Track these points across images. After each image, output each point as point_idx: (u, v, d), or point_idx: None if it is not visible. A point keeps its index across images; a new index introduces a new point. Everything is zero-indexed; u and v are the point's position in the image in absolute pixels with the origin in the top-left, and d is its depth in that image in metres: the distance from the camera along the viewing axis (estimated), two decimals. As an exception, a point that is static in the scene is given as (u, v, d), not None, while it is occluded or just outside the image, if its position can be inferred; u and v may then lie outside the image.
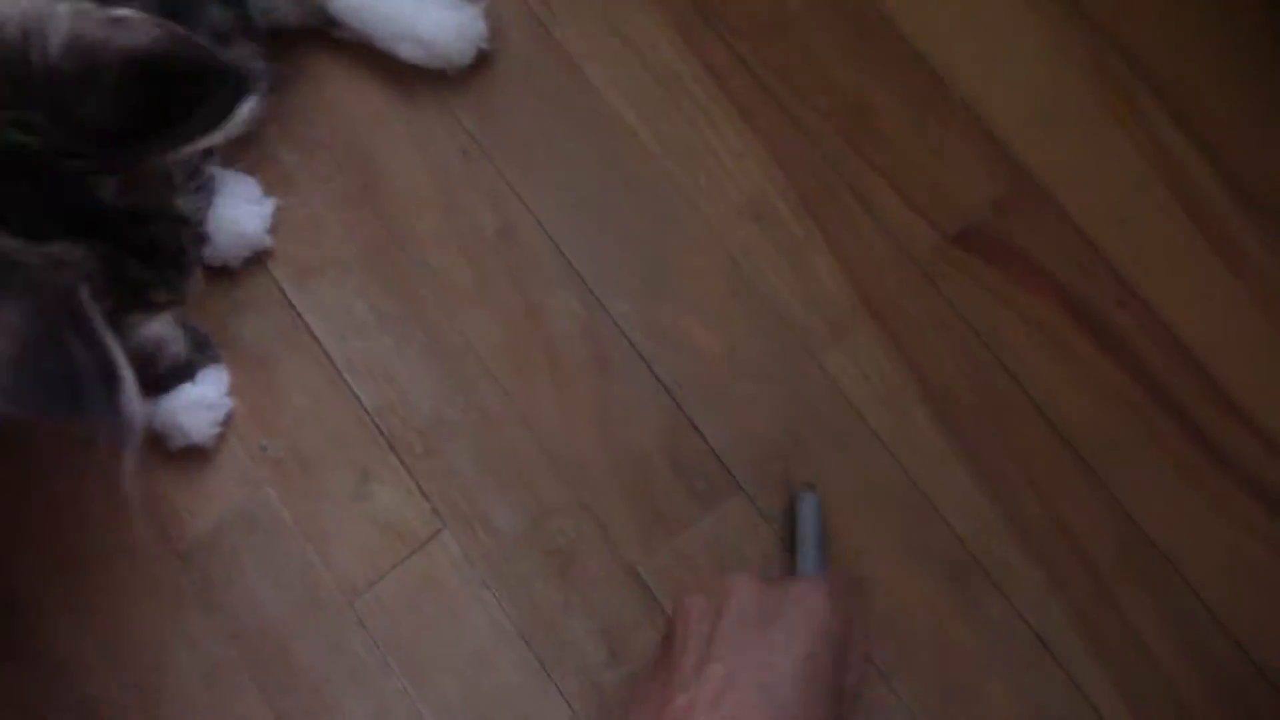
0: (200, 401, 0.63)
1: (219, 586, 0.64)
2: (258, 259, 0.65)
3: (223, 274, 0.65)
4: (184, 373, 0.62)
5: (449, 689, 0.61)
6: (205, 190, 0.50)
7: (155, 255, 0.44)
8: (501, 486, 0.62)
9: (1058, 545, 0.58)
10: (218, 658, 0.63)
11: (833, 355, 0.61)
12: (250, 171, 0.65)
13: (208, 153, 0.59)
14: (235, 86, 0.39)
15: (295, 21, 0.65)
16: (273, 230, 0.64)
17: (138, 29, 0.37)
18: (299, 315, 0.65)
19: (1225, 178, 0.60)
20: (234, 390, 0.64)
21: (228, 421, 0.64)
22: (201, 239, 0.49)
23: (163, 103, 0.38)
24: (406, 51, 0.64)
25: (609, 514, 0.61)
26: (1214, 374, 0.59)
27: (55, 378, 0.38)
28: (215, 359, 0.64)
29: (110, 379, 0.38)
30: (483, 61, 0.65)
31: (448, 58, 0.64)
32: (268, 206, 0.65)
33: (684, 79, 0.64)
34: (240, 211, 0.64)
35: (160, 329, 0.60)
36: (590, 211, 0.63)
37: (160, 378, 0.62)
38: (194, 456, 0.64)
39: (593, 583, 0.61)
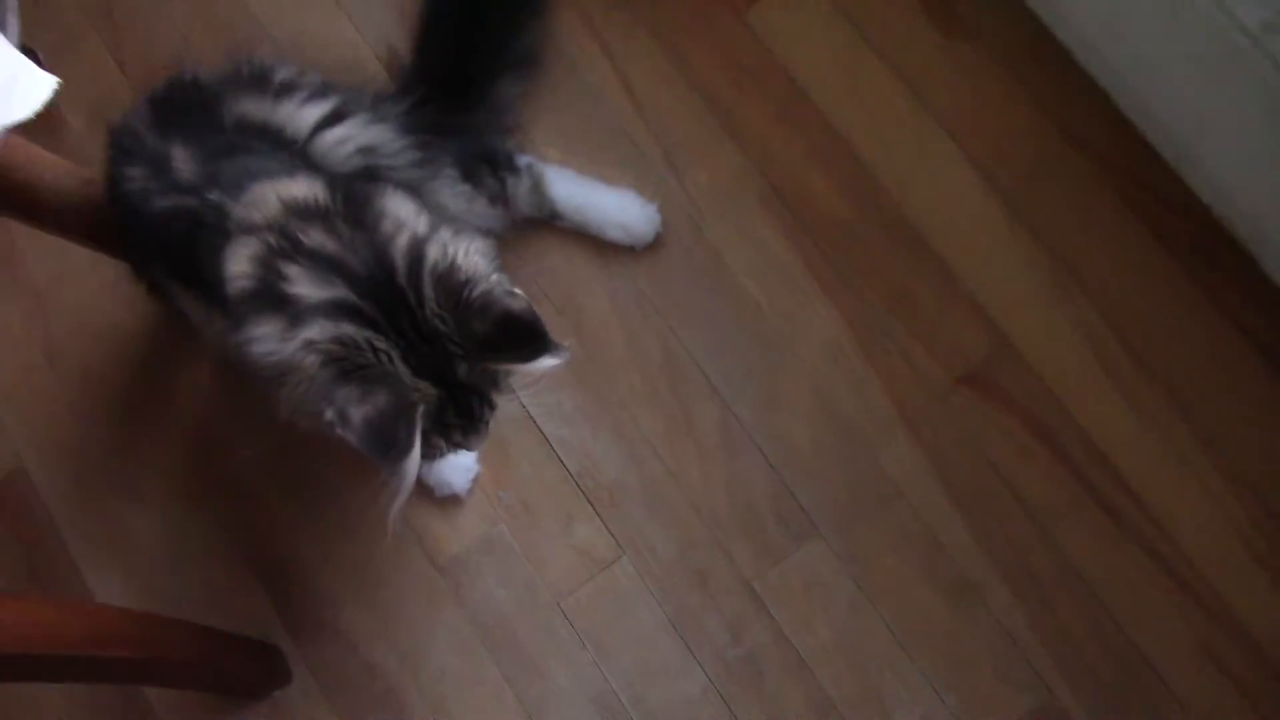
0: (460, 465, 0.96)
1: (466, 590, 0.95)
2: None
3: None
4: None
5: (625, 661, 0.92)
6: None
7: (468, 415, 0.70)
8: (662, 526, 0.94)
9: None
10: (464, 637, 0.94)
11: (881, 448, 0.93)
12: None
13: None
14: (549, 347, 0.66)
15: (529, 211, 0.98)
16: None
17: (519, 301, 0.66)
18: (525, 408, 0.97)
19: (1132, 352, 0.92)
20: (481, 458, 0.97)
21: (476, 479, 0.96)
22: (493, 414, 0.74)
23: (512, 339, 0.66)
24: (612, 234, 0.98)
25: (733, 547, 0.93)
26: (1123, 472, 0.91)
27: (383, 440, 0.64)
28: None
29: (405, 452, 0.64)
30: (657, 244, 0.99)
31: (637, 239, 0.98)
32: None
33: (787, 265, 0.97)
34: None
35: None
36: (725, 349, 0.96)
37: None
38: (454, 501, 0.96)
39: (722, 593, 0.92)
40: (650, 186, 0.99)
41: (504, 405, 0.72)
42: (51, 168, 0.84)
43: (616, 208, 0.98)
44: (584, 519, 0.95)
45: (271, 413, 0.70)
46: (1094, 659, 0.87)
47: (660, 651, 0.92)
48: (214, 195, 0.70)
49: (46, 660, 0.66)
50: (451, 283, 0.68)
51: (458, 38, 0.97)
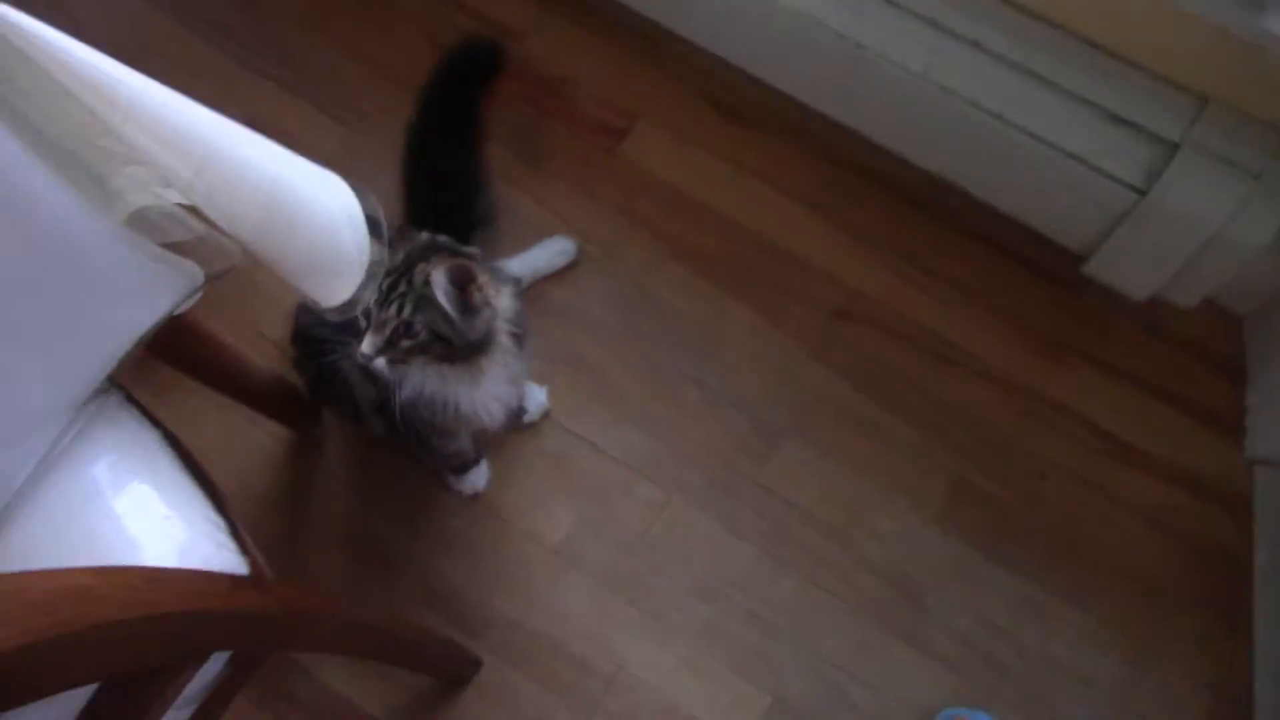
0: (480, 472, 1.38)
1: (577, 558, 1.37)
2: (546, 417, 1.45)
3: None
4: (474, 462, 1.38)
5: (698, 560, 1.38)
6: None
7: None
8: (688, 469, 1.40)
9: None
10: (589, 589, 1.36)
11: (805, 373, 1.46)
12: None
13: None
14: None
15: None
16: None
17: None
18: (574, 433, 1.43)
19: (916, 265, 1.51)
20: (555, 471, 1.42)
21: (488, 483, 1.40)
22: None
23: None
24: (556, 264, 1.48)
25: (737, 462, 1.42)
26: (941, 334, 1.48)
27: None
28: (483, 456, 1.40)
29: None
30: (616, 303, 1.49)
31: (570, 256, 1.49)
32: (543, 393, 1.45)
33: (704, 289, 1.50)
34: (536, 396, 1.44)
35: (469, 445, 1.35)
36: (685, 348, 1.47)
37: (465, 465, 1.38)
38: (547, 504, 1.40)
39: (742, 492, 1.40)
40: (595, 268, 1.51)
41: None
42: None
43: (546, 251, 1.48)
44: (638, 484, 1.41)
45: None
46: (965, 441, 1.41)
47: (718, 543, 1.38)
48: None
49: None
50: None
51: (436, 215, 1.47)
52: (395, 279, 1.03)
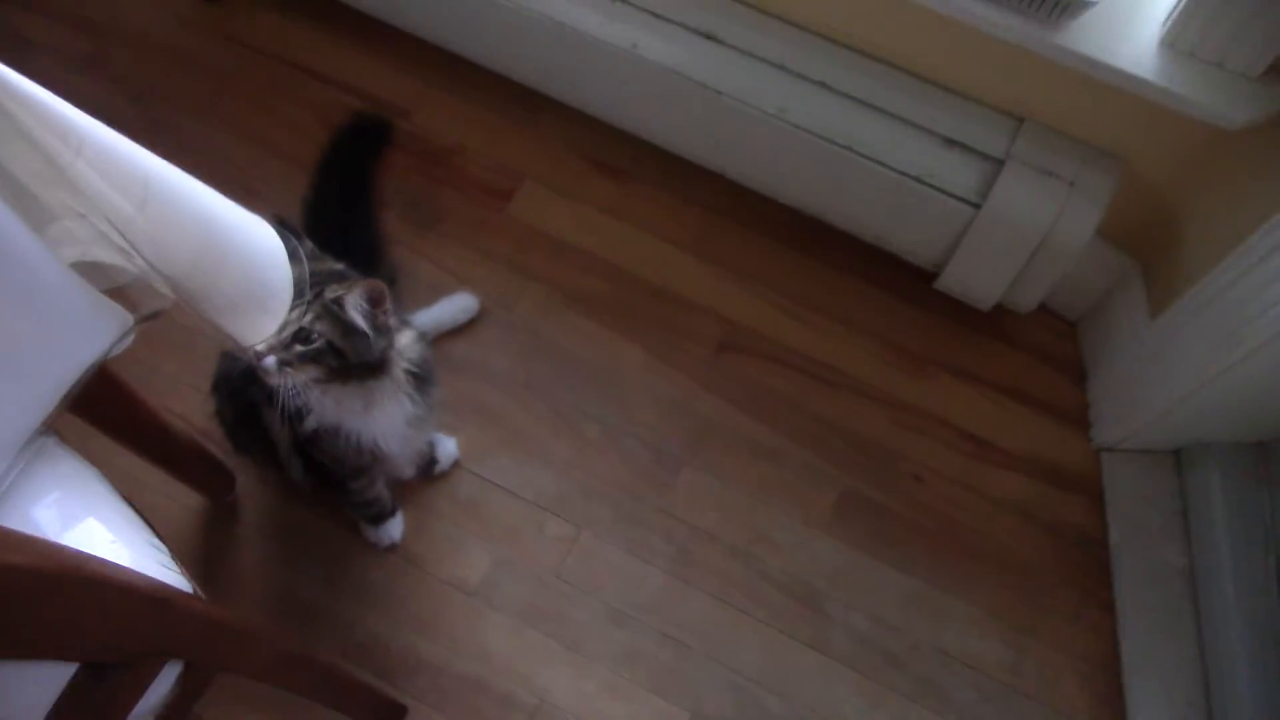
0: (395, 523, 1.44)
1: (495, 598, 1.43)
2: (456, 466, 1.51)
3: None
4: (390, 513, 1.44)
5: (611, 587, 1.45)
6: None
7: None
8: (594, 502, 1.49)
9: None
10: (509, 627, 1.42)
11: (695, 403, 1.56)
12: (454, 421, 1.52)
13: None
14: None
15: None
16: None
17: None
18: (481, 476, 1.50)
19: (792, 299, 1.64)
20: (464, 513, 1.48)
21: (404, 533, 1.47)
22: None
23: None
24: (458, 319, 1.57)
25: (640, 492, 1.50)
26: (815, 357, 1.60)
27: None
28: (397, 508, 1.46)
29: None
30: (518, 348, 1.58)
31: (471, 313, 1.57)
32: (453, 443, 1.51)
33: (593, 331, 1.60)
34: (446, 446, 1.50)
35: (385, 494, 1.41)
36: (581, 386, 1.56)
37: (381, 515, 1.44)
38: (461, 548, 1.46)
39: (648, 519, 1.49)
40: (494, 321, 1.59)
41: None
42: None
43: (447, 306, 1.56)
44: (549, 522, 1.48)
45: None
46: (848, 454, 1.52)
47: (629, 571, 1.45)
48: None
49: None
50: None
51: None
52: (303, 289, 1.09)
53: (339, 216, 1.61)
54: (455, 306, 1.58)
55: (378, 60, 1.76)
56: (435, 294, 1.58)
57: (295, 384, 1.10)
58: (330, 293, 1.09)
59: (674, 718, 1.38)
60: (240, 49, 1.79)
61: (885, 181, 1.33)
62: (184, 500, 1.45)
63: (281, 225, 1.00)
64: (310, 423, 1.16)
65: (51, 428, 0.91)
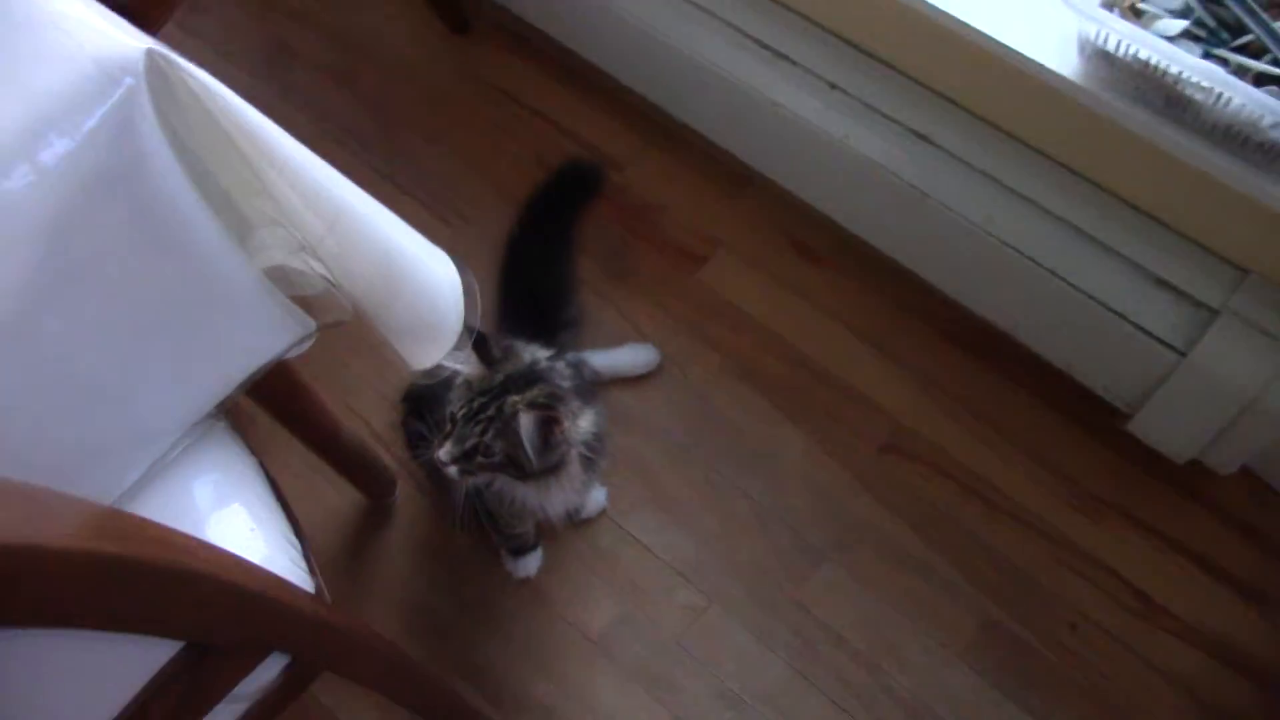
0: (534, 557, 1.47)
1: (615, 650, 1.43)
2: (602, 515, 1.53)
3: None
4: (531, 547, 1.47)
5: (730, 667, 1.42)
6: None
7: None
8: (731, 578, 1.47)
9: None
10: (621, 682, 1.42)
11: (851, 500, 1.52)
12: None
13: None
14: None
15: (589, 378, 1.56)
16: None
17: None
18: (628, 531, 1.51)
19: (969, 411, 1.58)
20: (598, 571, 1.49)
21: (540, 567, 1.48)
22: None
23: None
24: (635, 371, 1.58)
25: (778, 579, 1.47)
26: (983, 477, 1.53)
27: None
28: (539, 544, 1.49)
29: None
30: (683, 414, 1.58)
31: (650, 366, 1.58)
32: (603, 493, 1.53)
33: (764, 409, 1.59)
34: (596, 496, 1.52)
35: (531, 531, 1.43)
36: (741, 463, 1.55)
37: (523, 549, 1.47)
38: (589, 594, 1.47)
39: (780, 609, 1.45)
40: (665, 380, 1.61)
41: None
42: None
43: (629, 354, 1.59)
44: (680, 587, 1.47)
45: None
46: (1000, 583, 1.44)
47: (751, 655, 1.42)
48: None
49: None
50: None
51: (528, 316, 1.59)
52: (487, 401, 1.15)
53: (539, 253, 1.67)
54: (637, 357, 1.61)
55: (602, 112, 1.82)
56: (615, 342, 1.62)
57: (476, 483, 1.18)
58: (509, 406, 1.13)
59: (768, 813, 1.34)
60: (477, 82, 1.90)
61: (1086, 311, 1.27)
62: (348, 492, 1.53)
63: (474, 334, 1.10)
64: (480, 481, 1.21)
65: (225, 413, 0.98)
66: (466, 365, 1.19)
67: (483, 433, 1.14)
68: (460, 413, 1.15)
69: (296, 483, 1.53)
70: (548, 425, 1.13)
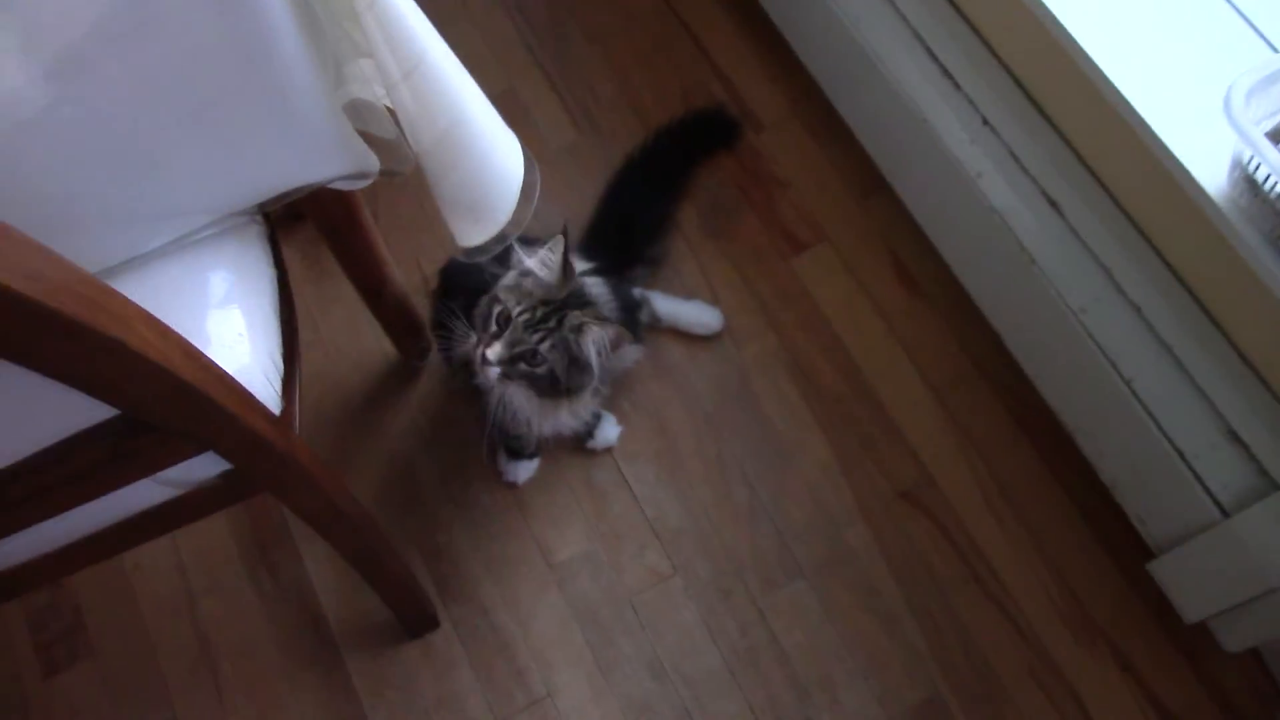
0: (527, 466, 1.47)
1: (567, 583, 1.44)
2: (608, 451, 1.52)
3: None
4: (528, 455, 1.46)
5: (669, 641, 1.41)
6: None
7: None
8: (703, 559, 1.45)
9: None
10: (563, 615, 1.42)
11: (847, 528, 1.48)
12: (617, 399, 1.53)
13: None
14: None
15: (647, 321, 1.54)
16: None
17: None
18: (623, 475, 1.50)
19: (1003, 495, 1.51)
20: (585, 502, 1.49)
21: (531, 478, 1.47)
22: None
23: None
24: (696, 330, 1.56)
25: (748, 578, 1.45)
26: (990, 561, 1.47)
27: None
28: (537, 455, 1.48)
29: None
30: (716, 385, 1.56)
31: (711, 329, 1.56)
32: (615, 432, 1.52)
33: (799, 409, 1.55)
34: (608, 431, 1.51)
35: (533, 438, 1.43)
36: (755, 454, 1.52)
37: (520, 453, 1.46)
38: (565, 519, 1.47)
39: (737, 605, 1.43)
40: (717, 347, 1.58)
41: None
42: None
43: (695, 311, 1.57)
44: (653, 548, 1.46)
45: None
46: (962, 667, 1.39)
47: (693, 638, 1.41)
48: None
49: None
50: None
51: (614, 239, 1.57)
52: (550, 312, 1.16)
53: (649, 185, 1.65)
54: (702, 316, 1.59)
55: (763, 69, 1.77)
56: (685, 294, 1.59)
57: (501, 389, 1.20)
58: (572, 319, 1.13)
59: (650, 791, 1.34)
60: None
61: (1148, 437, 1.20)
62: (383, 343, 1.55)
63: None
64: (497, 392, 1.22)
65: (265, 219, 0.99)
66: (542, 269, 1.19)
67: (540, 340, 1.14)
68: (521, 318, 1.15)
69: (344, 312, 1.58)
70: (617, 344, 1.15)
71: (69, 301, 0.57)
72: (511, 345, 1.15)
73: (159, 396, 0.70)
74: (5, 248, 0.54)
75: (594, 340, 1.15)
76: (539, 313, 1.16)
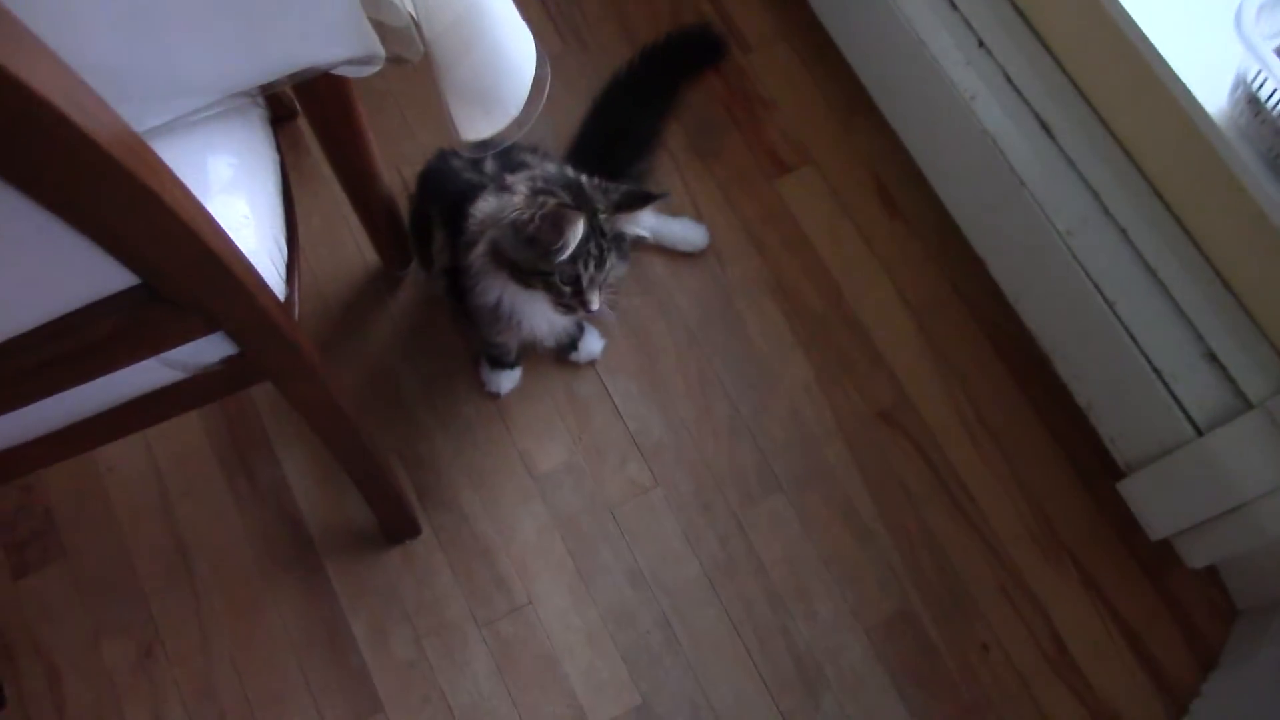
0: (509, 376, 1.47)
1: (550, 493, 1.44)
2: (591, 364, 1.52)
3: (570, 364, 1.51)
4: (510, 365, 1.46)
5: (649, 552, 1.43)
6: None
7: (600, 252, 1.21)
8: (685, 472, 1.46)
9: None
10: (544, 523, 1.43)
11: (826, 445, 1.50)
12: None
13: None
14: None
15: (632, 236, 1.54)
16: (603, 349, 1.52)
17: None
18: (606, 387, 1.51)
19: (978, 417, 1.54)
20: (569, 413, 1.49)
21: (514, 388, 1.48)
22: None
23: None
24: (681, 246, 1.56)
25: (728, 493, 1.47)
26: (963, 479, 1.50)
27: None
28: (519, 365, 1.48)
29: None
30: (699, 302, 1.56)
31: (696, 246, 1.56)
32: (600, 345, 1.52)
33: (780, 328, 1.56)
34: (592, 344, 1.51)
35: (514, 346, 1.42)
36: (737, 371, 1.53)
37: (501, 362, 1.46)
38: (547, 431, 1.48)
39: (717, 518, 1.45)
40: (701, 265, 1.58)
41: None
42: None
43: (681, 228, 1.57)
44: (634, 460, 1.48)
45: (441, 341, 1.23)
46: (934, 581, 1.43)
47: (673, 548, 1.43)
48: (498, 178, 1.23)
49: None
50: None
51: (599, 155, 1.56)
52: (575, 193, 1.15)
53: (636, 101, 1.63)
54: (687, 233, 1.58)
55: (753, -11, 1.76)
56: (670, 213, 1.59)
57: (486, 270, 1.16)
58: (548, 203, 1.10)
59: (626, 693, 1.36)
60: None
61: (1127, 358, 1.23)
62: (365, 249, 1.53)
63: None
64: (478, 292, 1.19)
65: (267, 102, 0.97)
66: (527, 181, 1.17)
67: (529, 221, 1.11)
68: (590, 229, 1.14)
69: (322, 221, 1.55)
70: (558, 221, 1.10)
71: (109, 140, 0.55)
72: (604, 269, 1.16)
73: (183, 263, 0.69)
74: (50, 69, 0.52)
75: (574, 222, 1.10)
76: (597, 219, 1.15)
